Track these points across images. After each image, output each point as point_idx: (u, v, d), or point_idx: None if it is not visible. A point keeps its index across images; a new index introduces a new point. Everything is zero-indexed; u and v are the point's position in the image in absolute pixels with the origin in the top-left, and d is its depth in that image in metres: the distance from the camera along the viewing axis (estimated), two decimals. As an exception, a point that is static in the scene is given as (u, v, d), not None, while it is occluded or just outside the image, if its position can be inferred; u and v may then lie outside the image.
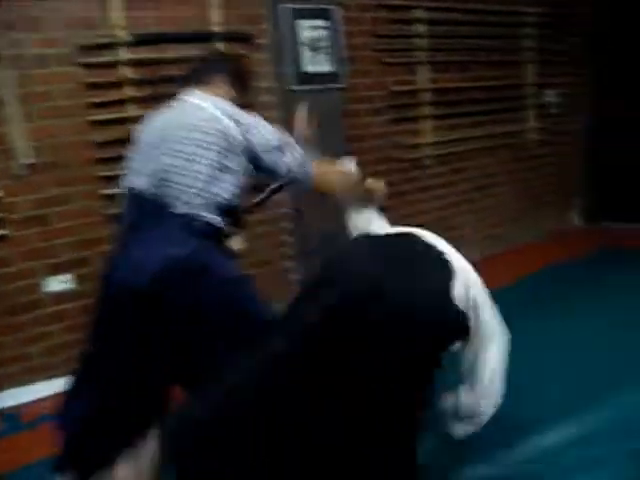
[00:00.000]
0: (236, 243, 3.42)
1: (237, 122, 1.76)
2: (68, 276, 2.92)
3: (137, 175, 1.78)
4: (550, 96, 4.60)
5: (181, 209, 1.68)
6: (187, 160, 1.70)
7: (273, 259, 3.54)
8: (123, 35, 2.87)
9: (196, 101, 1.83)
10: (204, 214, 1.69)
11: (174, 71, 2.99)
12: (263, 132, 1.82)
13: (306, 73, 3.33)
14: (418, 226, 1.77)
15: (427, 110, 4.01)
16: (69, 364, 2.00)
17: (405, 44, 3.87)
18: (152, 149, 1.77)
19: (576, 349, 2.73)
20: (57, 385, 2.77)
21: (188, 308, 1.59)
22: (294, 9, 3.25)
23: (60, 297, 2.91)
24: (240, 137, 1.75)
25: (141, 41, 2.92)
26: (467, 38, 4.13)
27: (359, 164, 2.14)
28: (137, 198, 1.75)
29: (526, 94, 4.58)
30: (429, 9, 3.91)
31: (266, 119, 3.68)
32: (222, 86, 1.93)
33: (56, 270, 2.88)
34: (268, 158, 1.82)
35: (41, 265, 2.85)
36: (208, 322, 1.61)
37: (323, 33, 3.36)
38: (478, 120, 4.30)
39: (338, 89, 3.48)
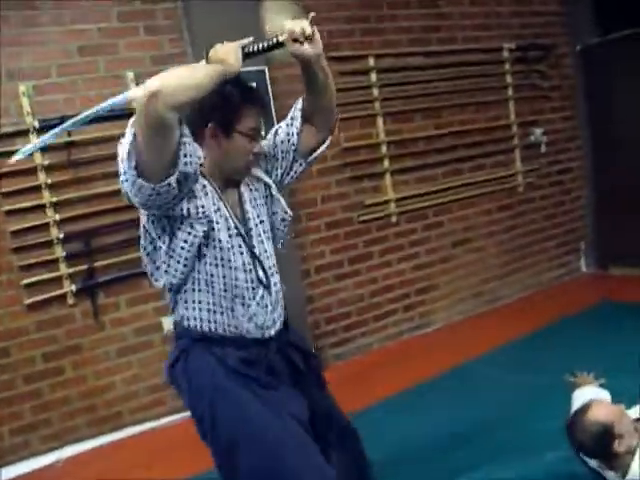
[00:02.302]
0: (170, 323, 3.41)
1: None
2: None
3: None
4: (537, 135, 4.42)
5: None
6: None
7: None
8: (32, 121, 2.98)
9: None
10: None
11: (91, 152, 3.10)
12: None
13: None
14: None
15: (388, 164, 3.93)
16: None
17: (358, 96, 3.83)
18: None
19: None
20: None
21: None
22: (219, 76, 3.28)
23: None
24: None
25: (50, 126, 3.02)
26: (432, 82, 4.05)
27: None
28: None
29: (510, 135, 4.43)
30: (381, 56, 3.88)
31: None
32: None
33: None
34: None
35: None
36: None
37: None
38: (454, 169, 4.19)
39: (275, 154, 3.47)
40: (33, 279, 3.03)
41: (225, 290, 1.57)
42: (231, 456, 1.52)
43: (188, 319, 1.59)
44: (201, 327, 1.58)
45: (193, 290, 1.57)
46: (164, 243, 1.50)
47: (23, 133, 2.98)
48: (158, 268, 1.55)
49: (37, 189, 3.03)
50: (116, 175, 3.04)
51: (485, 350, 3.64)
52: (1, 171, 2.95)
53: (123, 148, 1.37)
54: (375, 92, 3.87)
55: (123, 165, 1.37)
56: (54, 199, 3.05)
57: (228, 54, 1.49)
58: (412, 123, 4.03)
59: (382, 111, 3.89)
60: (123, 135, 1.39)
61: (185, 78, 1.37)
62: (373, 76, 3.85)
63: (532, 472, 2.32)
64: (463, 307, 4.26)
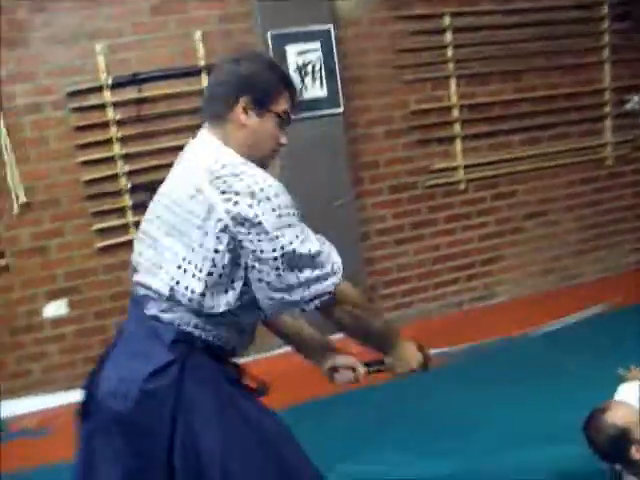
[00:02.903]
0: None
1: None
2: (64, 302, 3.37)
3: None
4: (635, 102, 4.03)
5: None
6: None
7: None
8: (106, 79, 3.21)
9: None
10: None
11: (159, 108, 3.31)
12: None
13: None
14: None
15: (459, 129, 3.80)
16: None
17: (431, 57, 3.72)
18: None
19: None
20: (53, 400, 3.27)
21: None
22: (282, 34, 3.33)
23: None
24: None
25: (124, 82, 3.24)
26: (513, 43, 3.82)
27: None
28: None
29: (602, 101, 4.08)
30: (458, 15, 3.71)
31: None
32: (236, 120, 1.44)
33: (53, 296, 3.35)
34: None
35: (40, 292, 3.33)
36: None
37: (315, 56, 3.39)
38: (532, 136, 3.97)
39: (336, 114, 3.48)
40: (103, 225, 3.34)
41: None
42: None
43: (196, 327, 1.38)
44: (206, 338, 1.40)
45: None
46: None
47: (97, 90, 3.23)
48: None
49: (109, 142, 3.29)
50: (181, 130, 3.30)
51: (548, 328, 3.50)
52: (77, 125, 3.25)
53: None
54: (449, 53, 3.72)
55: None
56: (124, 152, 3.30)
57: (412, 358, 1.60)
58: (488, 86, 3.84)
59: (456, 73, 3.74)
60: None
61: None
62: (448, 36, 3.70)
63: (554, 462, 2.27)
64: (532, 282, 4.09)
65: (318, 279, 1.35)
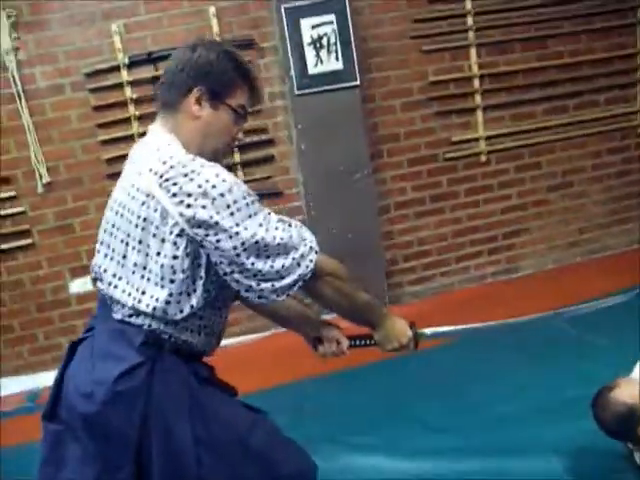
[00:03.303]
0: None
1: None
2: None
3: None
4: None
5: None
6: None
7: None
8: (123, 58, 3.25)
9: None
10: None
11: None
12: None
13: (312, 75, 3.38)
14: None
15: (479, 99, 3.71)
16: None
17: (450, 26, 3.62)
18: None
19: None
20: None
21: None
22: (296, 7, 3.31)
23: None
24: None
25: (140, 61, 3.28)
26: (537, 8, 3.68)
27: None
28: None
29: (635, 66, 3.91)
30: (479, -19, 3.59)
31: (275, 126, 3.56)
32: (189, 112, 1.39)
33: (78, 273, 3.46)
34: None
35: (65, 269, 3.45)
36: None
37: (329, 29, 3.35)
38: (557, 105, 3.84)
39: (352, 87, 3.44)
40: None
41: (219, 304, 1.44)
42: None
43: (163, 332, 1.36)
44: (174, 341, 1.38)
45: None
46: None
47: (115, 69, 3.29)
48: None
49: (127, 121, 3.35)
50: None
51: (572, 303, 3.44)
52: (96, 105, 3.32)
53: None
54: (469, 20, 3.62)
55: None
56: (142, 130, 3.35)
57: (401, 335, 1.59)
58: (511, 55, 3.73)
59: (476, 42, 3.65)
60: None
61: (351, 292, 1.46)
62: (468, 3, 3.60)
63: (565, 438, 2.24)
64: (557, 255, 4.01)
65: (294, 263, 1.33)
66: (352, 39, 3.40)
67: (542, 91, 3.81)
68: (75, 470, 1.35)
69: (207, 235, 1.26)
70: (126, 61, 3.26)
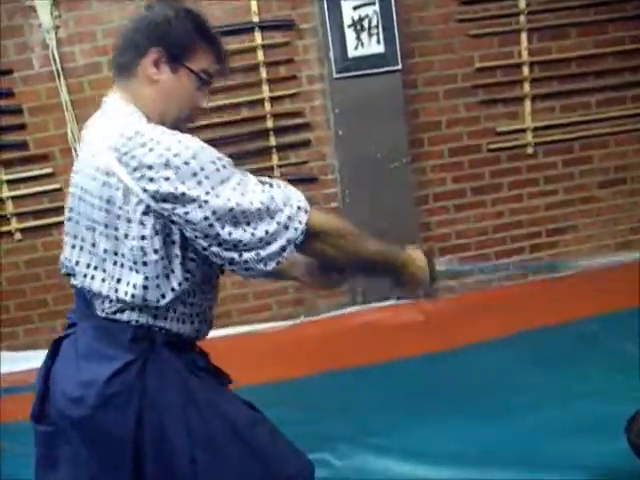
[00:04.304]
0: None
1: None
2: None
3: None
4: None
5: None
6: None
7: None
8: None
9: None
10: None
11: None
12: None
13: (352, 58, 3.24)
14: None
15: (528, 88, 3.49)
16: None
17: (497, 9, 3.41)
18: None
19: None
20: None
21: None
22: (338, -12, 3.17)
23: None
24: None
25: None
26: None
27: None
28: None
29: None
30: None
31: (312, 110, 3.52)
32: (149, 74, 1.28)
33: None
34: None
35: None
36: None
37: (372, 10, 3.20)
38: (613, 96, 3.59)
39: (393, 71, 3.29)
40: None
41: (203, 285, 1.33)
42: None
43: (151, 324, 1.27)
44: (164, 332, 1.29)
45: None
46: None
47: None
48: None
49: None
50: (235, 88, 3.27)
51: (616, 309, 3.23)
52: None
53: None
54: (521, 3, 3.41)
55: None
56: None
57: (422, 267, 1.43)
58: (565, 40, 3.49)
59: (528, 26, 3.43)
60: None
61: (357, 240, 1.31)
62: (521, -15, 3.39)
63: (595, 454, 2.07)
64: (604, 256, 3.78)
65: (280, 227, 1.19)
66: (395, 21, 3.25)
67: (597, 80, 3.57)
68: (69, 472, 1.29)
69: (175, 209, 1.15)
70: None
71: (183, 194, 1.14)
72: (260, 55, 3.32)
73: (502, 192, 3.67)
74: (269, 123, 3.43)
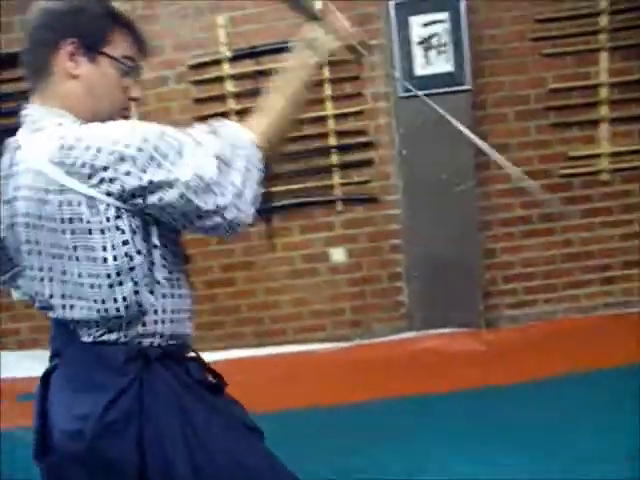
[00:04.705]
0: (338, 255, 3.51)
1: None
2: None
3: None
4: None
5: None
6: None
7: (380, 277, 3.49)
8: (225, 52, 3.20)
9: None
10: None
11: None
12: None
13: (419, 76, 3.15)
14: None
15: (607, 111, 3.30)
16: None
17: (574, 27, 3.24)
18: None
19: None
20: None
21: None
22: (406, 3, 3.10)
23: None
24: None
25: (242, 55, 3.21)
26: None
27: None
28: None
29: None
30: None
31: (376, 128, 3.52)
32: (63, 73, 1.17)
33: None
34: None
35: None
36: None
37: (442, 28, 3.10)
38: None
39: (462, 91, 3.17)
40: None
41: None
42: None
43: (142, 336, 1.19)
44: (158, 344, 1.22)
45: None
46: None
47: (217, 63, 3.25)
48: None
49: (226, 115, 3.28)
50: None
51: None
52: (197, 97, 3.30)
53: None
54: (603, 20, 3.22)
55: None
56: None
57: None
58: (648, 61, 3.29)
59: (608, 45, 3.25)
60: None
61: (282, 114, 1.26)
62: (603, 2, 3.20)
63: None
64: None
65: (245, 173, 1.12)
66: (465, 39, 3.14)
67: (683, 105, 3.33)
68: None
69: (146, 199, 1.07)
70: (228, 54, 3.22)
71: (151, 182, 1.06)
72: (326, 72, 3.28)
73: (573, 220, 3.46)
74: (332, 140, 3.37)
